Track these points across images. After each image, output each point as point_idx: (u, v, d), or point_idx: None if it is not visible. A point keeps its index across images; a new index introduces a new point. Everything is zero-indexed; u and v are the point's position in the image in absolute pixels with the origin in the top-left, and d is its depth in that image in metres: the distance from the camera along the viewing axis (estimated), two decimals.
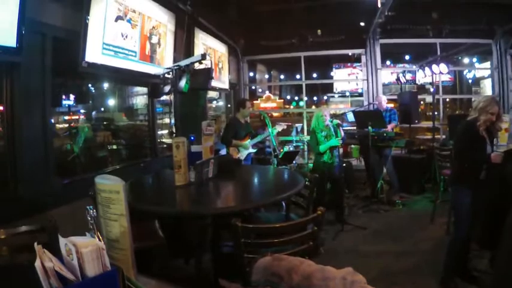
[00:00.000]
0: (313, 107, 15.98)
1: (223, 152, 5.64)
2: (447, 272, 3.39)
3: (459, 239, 3.35)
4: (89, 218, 1.07)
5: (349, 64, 11.78)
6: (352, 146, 8.32)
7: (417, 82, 10.53)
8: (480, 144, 3.23)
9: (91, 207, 1.09)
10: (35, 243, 0.94)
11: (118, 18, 4.06)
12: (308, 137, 7.87)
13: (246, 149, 5.69)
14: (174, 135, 4.29)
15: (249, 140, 5.76)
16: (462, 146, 3.40)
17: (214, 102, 10.57)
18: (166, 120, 6.59)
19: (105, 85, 7.23)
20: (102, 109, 7.54)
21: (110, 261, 0.98)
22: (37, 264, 0.91)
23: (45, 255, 0.93)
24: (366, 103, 8.61)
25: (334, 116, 6.82)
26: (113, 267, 0.98)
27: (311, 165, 7.14)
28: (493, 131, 3.34)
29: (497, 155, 3.20)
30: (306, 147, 8.25)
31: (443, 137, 8.10)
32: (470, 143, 3.27)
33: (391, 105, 7.85)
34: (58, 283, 0.93)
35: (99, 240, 1.01)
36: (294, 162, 7.02)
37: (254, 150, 5.93)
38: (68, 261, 0.95)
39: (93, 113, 7.07)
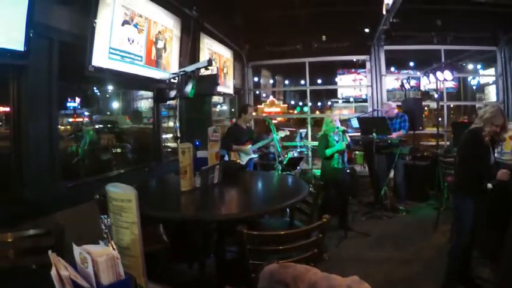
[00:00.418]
0: (317, 112, 16.00)
1: (225, 158, 5.64)
2: (448, 279, 3.38)
3: (460, 246, 3.34)
4: (103, 227, 1.08)
5: (353, 70, 11.80)
6: (357, 152, 8.30)
7: (421, 88, 10.51)
8: (484, 152, 3.23)
9: (105, 216, 1.11)
10: (49, 251, 0.95)
11: (125, 22, 4.08)
12: (312, 143, 7.91)
13: (248, 154, 5.70)
14: (178, 140, 4.30)
15: (250, 146, 5.77)
16: (466, 154, 3.39)
17: (218, 106, 10.59)
18: (171, 124, 6.59)
19: (110, 88, 7.26)
20: (108, 113, 7.57)
21: (123, 270, 0.99)
22: (53, 272, 0.92)
23: (60, 263, 0.95)
24: (370, 109, 8.60)
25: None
26: (126, 275, 0.99)
27: (316, 171, 7.13)
28: (496, 140, 3.34)
29: (504, 172, 3.20)
30: (310, 153, 8.23)
31: (448, 143, 8.08)
32: (474, 151, 3.27)
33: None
34: None
35: (113, 249, 1.02)
36: (298, 168, 7.01)
37: (255, 156, 5.92)
38: (82, 269, 0.96)
39: (98, 115, 7.09)
